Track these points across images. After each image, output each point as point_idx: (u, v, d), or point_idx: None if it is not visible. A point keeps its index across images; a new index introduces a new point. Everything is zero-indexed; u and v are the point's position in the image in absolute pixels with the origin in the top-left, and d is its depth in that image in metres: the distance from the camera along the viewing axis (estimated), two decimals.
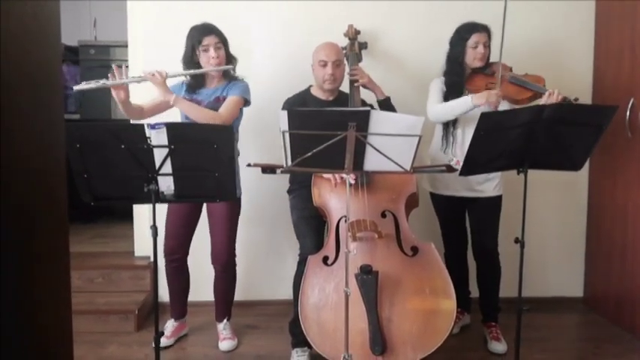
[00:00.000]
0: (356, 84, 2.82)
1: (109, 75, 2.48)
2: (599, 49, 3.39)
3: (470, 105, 2.61)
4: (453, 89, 2.74)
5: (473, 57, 2.74)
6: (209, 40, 2.68)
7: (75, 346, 1.24)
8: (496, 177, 2.79)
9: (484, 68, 2.75)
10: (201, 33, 2.69)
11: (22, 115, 0.85)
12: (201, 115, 2.60)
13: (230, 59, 2.77)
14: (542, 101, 2.54)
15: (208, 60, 2.69)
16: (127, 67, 2.54)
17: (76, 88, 2.47)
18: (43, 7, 0.89)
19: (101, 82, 2.45)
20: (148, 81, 2.55)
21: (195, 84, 2.76)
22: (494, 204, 2.82)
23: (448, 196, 2.86)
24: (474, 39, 2.72)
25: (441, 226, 3.01)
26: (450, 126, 2.79)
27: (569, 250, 3.56)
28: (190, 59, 2.72)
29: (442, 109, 2.71)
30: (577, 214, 3.54)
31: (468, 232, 2.97)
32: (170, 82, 2.65)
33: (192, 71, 2.68)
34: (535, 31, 3.38)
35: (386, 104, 2.82)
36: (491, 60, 2.78)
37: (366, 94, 2.87)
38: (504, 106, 2.72)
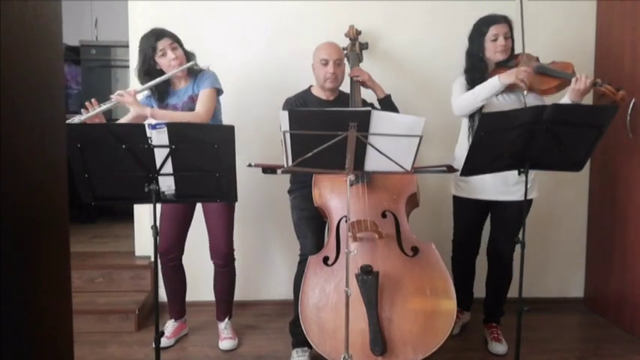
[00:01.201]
0: (355, 78, 2.82)
1: (82, 110, 2.50)
2: (600, 50, 3.38)
3: (498, 85, 2.50)
4: (476, 85, 2.61)
5: (493, 50, 2.62)
6: (163, 44, 2.65)
7: (75, 346, 1.24)
8: (529, 180, 2.54)
9: (507, 61, 2.63)
10: (154, 38, 2.65)
11: (23, 115, 0.85)
12: (180, 119, 2.57)
13: (188, 56, 2.74)
14: (570, 88, 2.44)
15: (169, 63, 2.65)
16: (96, 100, 2.53)
17: None
18: (44, 6, 0.89)
19: (76, 118, 2.46)
20: (120, 103, 2.56)
21: (163, 91, 2.74)
22: (521, 208, 2.57)
23: (474, 199, 2.75)
24: (492, 31, 2.61)
25: (458, 231, 2.92)
26: (474, 123, 2.63)
27: (569, 251, 3.56)
28: (148, 69, 2.68)
29: (469, 97, 2.59)
30: (577, 214, 3.54)
31: (481, 240, 2.92)
32: (139, 99, 2.65)
33: (158, 79, 2.64)
34: (535, 31, 3.37)
35: (387, 102, 2.82)
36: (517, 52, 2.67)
37: (366, 94, 2.87)
38: (531, 98, 2.59)
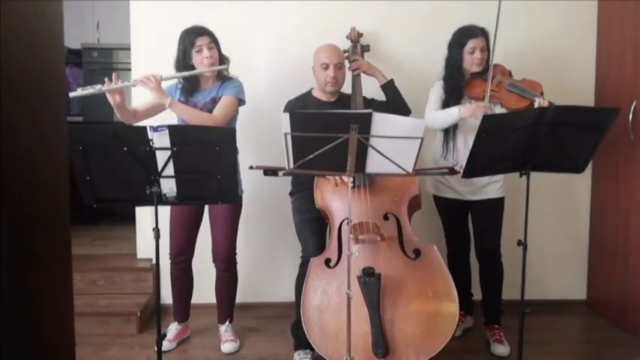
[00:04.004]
0: (355, 72, 2.89)
1: (105, 80, 2.50)
2: (601, 51, 3.38)
3: (457, 117, 2.66)
4: (452, 95, 2.75)
5: (470, 62, 2.75)
6: (202, 41, 2.68)
7: (77, 348, 1.24)
8: (499, 179, 2.80)
9: (483, 73, 2.75)
10: (194, 34, 2.69)
11: (25, 117, 0.85)
12: (195, 117, 2.61)
13: (223, 59, 2.77)
14: None
15: (202, 60, 2.68)
16: (117, 75, 2.53)
17: (72, 94, 2.47)
18: (45, 8, 0.89)
19: (97, 88, 2.48)
20: (143, 86, 2.56)
21: (191, 87, 2.76)
22: (497, 206, 2.83)
23: (451, 198, 2.86)
24: (470, 45, 2.73)
25: (444, 227, 3.02)
26: (449, 132, 2.81)
27: (571, 253, 3.55)
28: (183, 62, 2.72)
29: (434, 119, 2.75)
30: (580, 216, 3.53)
31: (470, 234, 2.97)
32: (164, 85, 2.65)
33: (186, 73, 2.67)
34: (536, 32, 3.37)
35: (389, 87, 2.86)
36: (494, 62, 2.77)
37: (367, 86, 2.89)
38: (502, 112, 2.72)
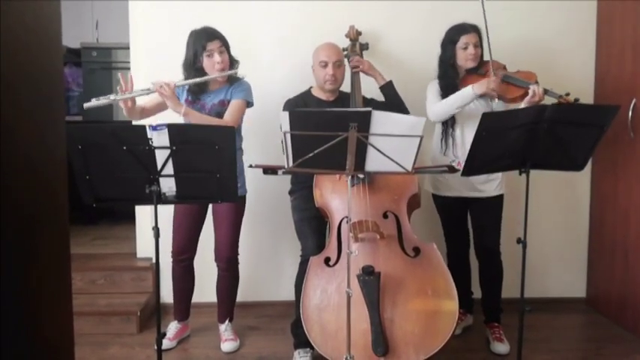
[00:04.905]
0: (354, 70, 2.90)
1: (118, 88, 2.51)
2: (600, 50, 3.38)
3: (471, 95, 2.62)
4: (448, 92, 2.74)
5: (464, 58, 2.76)
6: (213, 45, 2.66)
7: (77, 347, 1.24)
8: (497, 177, 2.80)
9: (477, 68, 2.76)
10: (205, 38, 2.66)
11: (24, 116, 0.85)
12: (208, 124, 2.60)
13: (232, 62, 2.75)
14: (526, 99, 2.56)
15: (213, 65, 2.66)
16: (131, 76, 2.54)
17: (86, 105, 2.47)
18: (43, 7, 0.89)
19: (111, 98, 2.49)
20: (157, 93, 2.55)
21: (199, 89, 2.75)
22: (496, 203, 2.83)
23: (450, 197, 2.87)
24: (463, 40, 2.74)
25: (443, 226, 3.02)
26: (448, 127, 2.81)
27: (571, 251, 3.56)
28: (192, 65, 2.69)
29: (444, 105, 2.71)
30: (579, 214, 3.53)
31: (470, 232, 2.97)
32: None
33: (198, 79, 2.63)
34: (536, 31, 3.37)
35: (388, 88, 2.87)
36: (485, 58, 2.79)
37: (366, 86, 2.89)
38: (499, 105, 2.73)
